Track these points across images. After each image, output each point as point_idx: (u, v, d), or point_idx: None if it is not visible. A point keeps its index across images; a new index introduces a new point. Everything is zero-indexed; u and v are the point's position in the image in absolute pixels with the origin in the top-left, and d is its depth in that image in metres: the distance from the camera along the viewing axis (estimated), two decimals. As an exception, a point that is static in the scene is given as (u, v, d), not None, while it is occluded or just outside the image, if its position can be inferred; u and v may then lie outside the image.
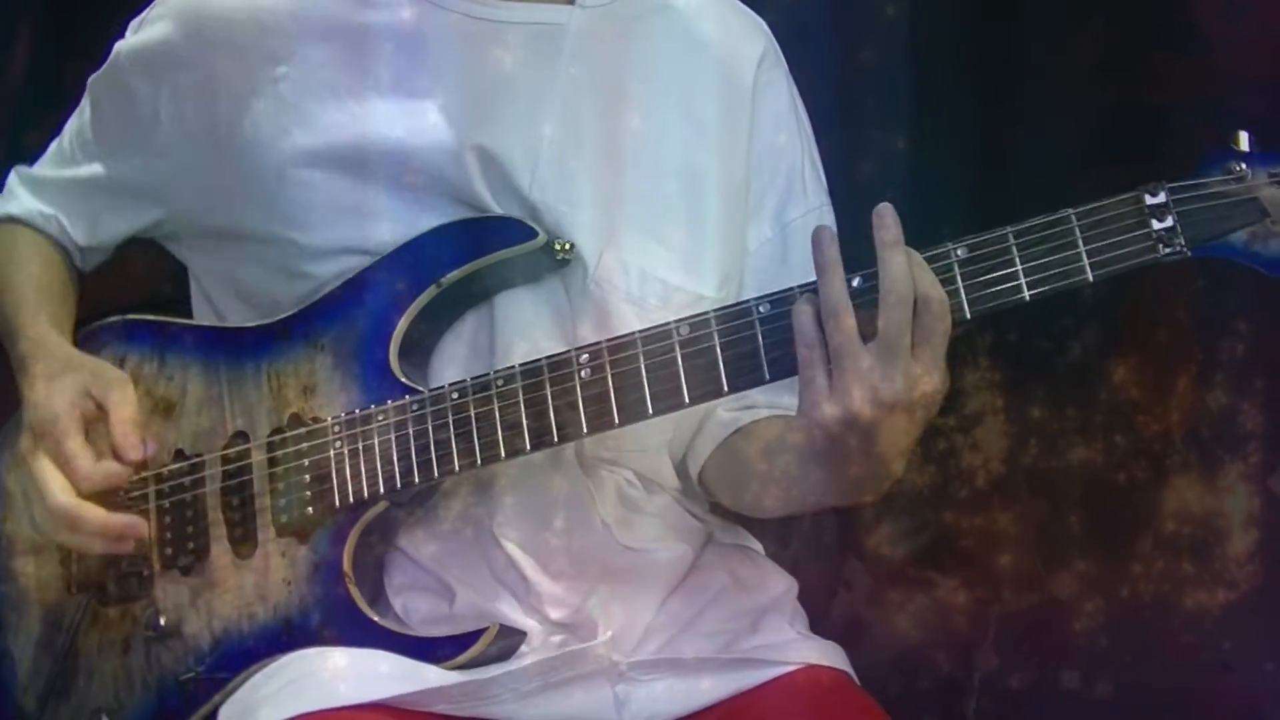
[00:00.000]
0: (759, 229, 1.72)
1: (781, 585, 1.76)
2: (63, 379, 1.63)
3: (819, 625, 1.76)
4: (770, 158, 1.72)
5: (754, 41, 1.75)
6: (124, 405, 1.64)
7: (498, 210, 1.60)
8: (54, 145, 1.82)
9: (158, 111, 1.67)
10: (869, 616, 2.63)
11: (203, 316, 1.77)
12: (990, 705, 2.59)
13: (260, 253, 1.66)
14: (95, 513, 1.59)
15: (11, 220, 1.81)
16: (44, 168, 1.82)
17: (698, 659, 1.62)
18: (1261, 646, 2.47)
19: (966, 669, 2.60)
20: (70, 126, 1.80)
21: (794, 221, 1.73)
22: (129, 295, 1.85)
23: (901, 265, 1.39)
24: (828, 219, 1.75)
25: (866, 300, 1.41)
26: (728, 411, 1.69)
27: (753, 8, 1.79)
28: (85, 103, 1.78)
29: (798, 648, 1.66)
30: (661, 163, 1.65)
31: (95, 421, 1.63)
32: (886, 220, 1.41)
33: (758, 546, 1.81)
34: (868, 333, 1.40)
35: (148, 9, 1.71)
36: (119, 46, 1.72)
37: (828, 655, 1.68)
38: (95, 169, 1.75)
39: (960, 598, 2.62)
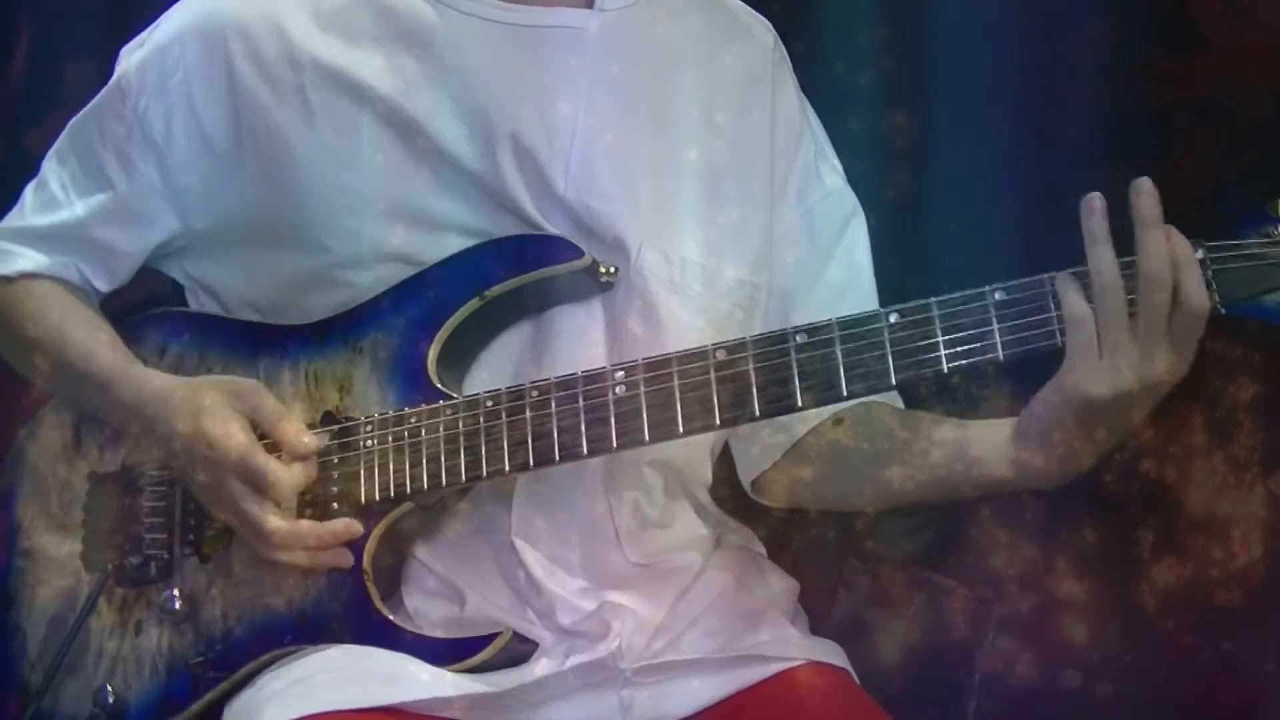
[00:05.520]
0: (784, 212, 1.73)
1: (783, 586, 1.76)
2: (203, 407, 1.59)
3: (819, 625, 1.77)
4: (788, 145, 1.74)
5: (764, 37, 1.77)
6: (275, 408, 1.60)
7: (534, 212, 1.61)
8: (30, 198, 1.74)
9: (172, 128, 1.65)
10: (869, 616, 2.63)
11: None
12: (990, 705, 2.59)
13: (291, 262, 1.65)
14: (314, 526, 1.57)
15: (26, 276, 1.72)
16: (31, 218, 1.73)
17: (700, 659, 1.62)
18: (1261, 646, 2.48)
19: (966, 669, 2.60)
20: (52, 176, 1.73)
21: (816, 204, 1.75)
22: (126, 296, 1.84)
23: (1162, 246, 1.37)
24: (848, 201, 1.78)
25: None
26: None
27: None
28: (66, 147, 1.72)
29: (798, 645, 1.67)
30: (689, 155, 1.66)
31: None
32: (1144, 196, 1.38)
33: (760, 548, 1.81)
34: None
35: (148, 30, 1.69)
36: (122, 70, 1.68)
37: (828, 654, 1.68)
38: (100, 198, 1.69)
39: (960, 598, 2.63)
